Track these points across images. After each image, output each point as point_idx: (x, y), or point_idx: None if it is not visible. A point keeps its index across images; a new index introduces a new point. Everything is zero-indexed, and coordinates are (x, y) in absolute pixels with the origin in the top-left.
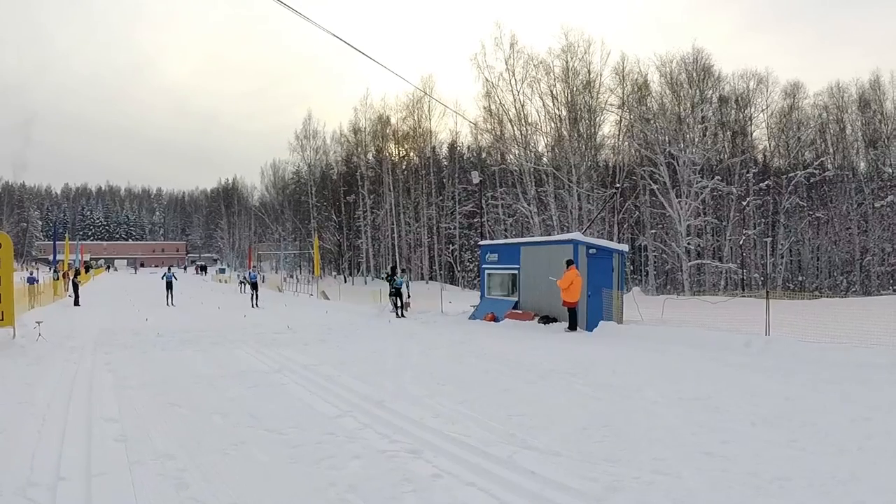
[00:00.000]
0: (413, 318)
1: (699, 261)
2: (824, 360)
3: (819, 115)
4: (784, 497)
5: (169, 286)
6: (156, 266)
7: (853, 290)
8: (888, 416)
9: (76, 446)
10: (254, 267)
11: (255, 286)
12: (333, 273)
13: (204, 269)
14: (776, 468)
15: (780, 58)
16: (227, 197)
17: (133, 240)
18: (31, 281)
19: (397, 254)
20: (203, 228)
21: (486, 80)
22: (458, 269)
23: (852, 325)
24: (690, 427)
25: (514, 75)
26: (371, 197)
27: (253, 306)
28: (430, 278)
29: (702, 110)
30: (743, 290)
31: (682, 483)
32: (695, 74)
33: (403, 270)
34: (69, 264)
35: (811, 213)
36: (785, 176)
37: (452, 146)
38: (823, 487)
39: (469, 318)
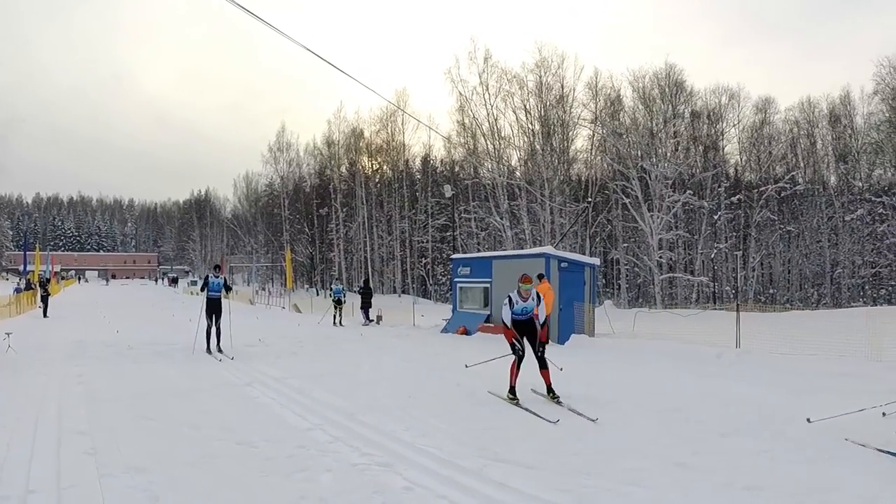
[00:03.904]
0: (386, 332)
1: (671, 274)
2: (794, 370)
3: (790, 130)
4: None
5: None
6: (127, 278)
7: (824, 302)
8: (857, 425)
9: (46, 459)
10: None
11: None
12: (306, 286)
13: (175, 281)
14: (748, 478)
15: (751, 73)
16: (200, 209)
17: (104, 251)
18: (18, 291)
19: (370, 267)
20: (175, 240)
21: (460, 93)
22: (431, 282)
23: (822, 336)
24: (664, 438)
25: (487, 89)
26: (344, 210)
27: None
28: (403, 292)
29: (674, 125)
30: (714, 302)
31: (656, 494)
32: (667, 90)
33: (338, 279)
34: (39, 275)
35: (782, 226)
36: (756, 190)
37: (426, 159)
38: (795, 497)
39: (441, 332)
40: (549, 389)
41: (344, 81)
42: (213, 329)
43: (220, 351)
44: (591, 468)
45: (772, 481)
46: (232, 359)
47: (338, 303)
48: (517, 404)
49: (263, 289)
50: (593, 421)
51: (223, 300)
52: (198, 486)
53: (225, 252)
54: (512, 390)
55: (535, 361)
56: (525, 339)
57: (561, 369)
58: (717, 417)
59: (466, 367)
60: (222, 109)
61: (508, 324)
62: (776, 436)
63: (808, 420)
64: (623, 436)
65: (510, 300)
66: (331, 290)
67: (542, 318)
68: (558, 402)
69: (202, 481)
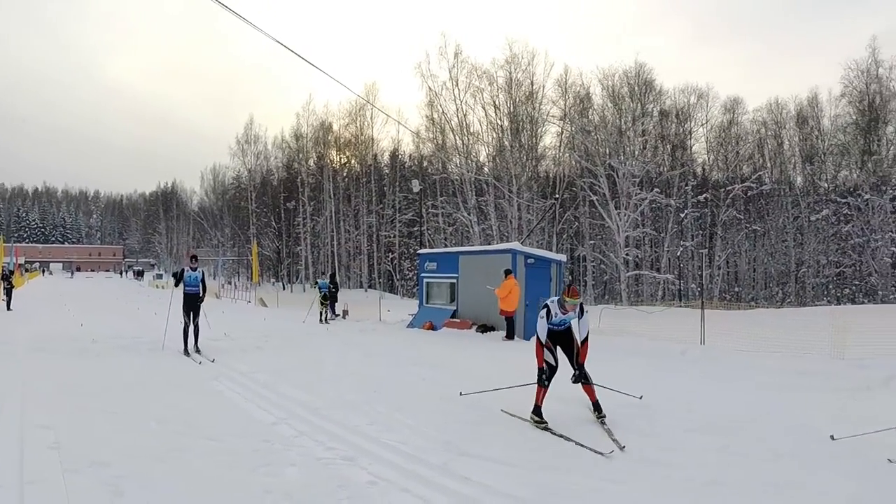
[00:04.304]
0: (351, 327)
1: (637, 271)
2: (758, 367)
3: (758, 131)
4: (718, 501)
5: None
6: (92, 270)
7: (789, 301)
8: (821, 422)
9: (8, 454)
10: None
11: None
12: (272, 280)
13: (140, 274)
14: (712, 473)
15: (721, 74)
16: (166, 201)
17: (69, 243)
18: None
19: (336, 261)
20: (141, 233)
21: (430, 88)
22: (398, 277)
23: (786, 334)
24: (629, 434)
25: (457, 85)
26: (311, 204)
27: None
28: (370, 286)
29: (642, 123)
30: (680, 300)
31: (621, 489)
32: (637, 88)
33: (324, 273)
34: (3, 267)
35: (748, 225)
36: (723, 189)
37: (394, 154)
38: (758, 493)
39: (407, 327)
40: (596, 406)
41: (314, 74)
42: (192, 328)
43: (198, 352)
44: (557, 464)
45: (733, 477)
46: (213, 361)
47: (325, 298)
48: (547, 429)
49: (230, 283)
50: (621, 449)
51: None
52: (163, 481)
53: (191, 245)
54: (537, 411)
55: (570, 374)
56: (559, 350)
57: (640, 398)
58: (682, 413)
59: (461, 394)
60: (192, 100)
61: (543, 338)
62: (739, 432)
63: (832, 437)
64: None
65: (548, 310)
66: (316, 283)
67: (583, 334)
68: (602, 422)
69: (168, 476)
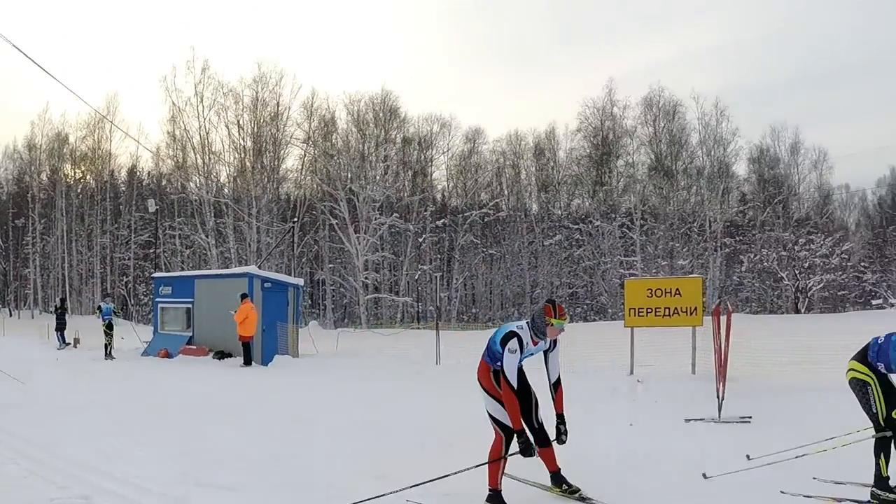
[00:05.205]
0: (83, 355)
1: (376, 294)
2: None
3: (496, 160)
4: None
5: None
6: None
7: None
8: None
9: None
10: None
11: None
12: None
13: None
14: (446, 486)
15: (465, 105)
16: None
17: None
18: None
19: (68, 285)
20: None
21: (174, 103)
22: (133, 302)
23: None
24: (365, 452)
25: (202, 101)
26: (42, 222)
27: None
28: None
29: (385, 149)
30: (418, 322)
31: None
32: (381, 115)
33: (108, 295)
34: None
35: (485, 249)
36: (461, 215)
37: (132, 171)
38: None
39: (142, 355)
40: (559, 478)
41: (52, 81)
42: None
43: None
44: (302, 484)
45: (460, 488)
46: None
47: (109, 327)
48: None
49: None
50: None
51: None
52: None
53: None
54: (497, 496)
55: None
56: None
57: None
58: (414, 430)
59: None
60: None
61: (514, 383)
62: (474, 442)
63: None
64: (329, 452)
65: (520, 342)
66: (99, 309)
67: (556, 373)
68: (580, 498)
69: None
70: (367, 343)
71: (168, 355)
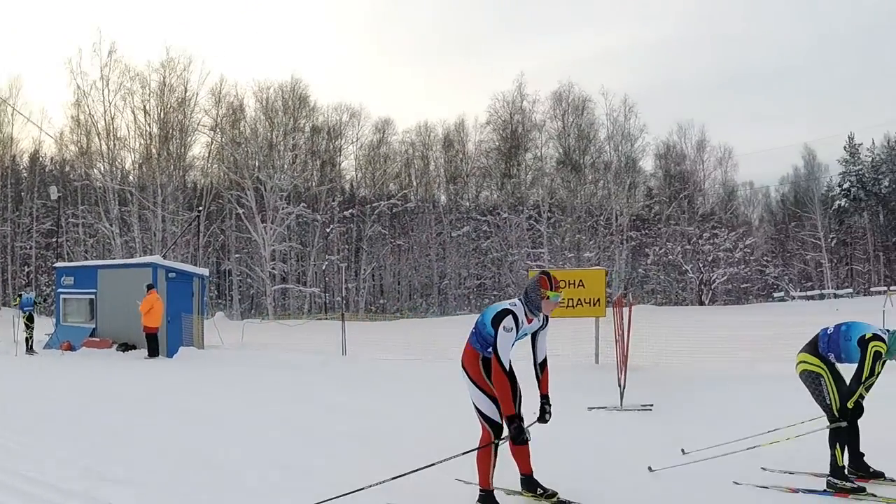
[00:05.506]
0: None
1: (283, 285)
2: (398, 374)
3: (406, 151)
4: None
5: None
6: None
7: (432, 311)
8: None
9: None
10: None
11: None
12: None
13: None
14: (354, 480)
15: (374, 95)
16: None
17: None
18: None
19: None
20: None
21: (78, 87)
22: (35, 294)
23: (428, 341)
24: (283, 449)
25: (108, 85)
26: None
27: None
28: (3, 304)
29: (294, 138)
30: (326, 313)
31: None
32: (291, 103)
33: (28, 285)
34: None
35: (393, 240)
36: (370, 205)
37: (34, 156)
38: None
39: (44, 348)
40: (531, 483)
41: None
42: None
43: None
44: (208, 484)
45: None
46: None
47: (30, 320)
48: None
49: None
50: None
51: None
52: None
53: None
54: (490, 497)
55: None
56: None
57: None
58: (328, 423)
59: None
60: None
61: (506, 364)
62: (379, 436)
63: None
64: (240, 451)
65: (515, 320)
66: (18, 300)
67: (543, 353)
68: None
69: None
70: (273, 334)
71: (71, 348)
